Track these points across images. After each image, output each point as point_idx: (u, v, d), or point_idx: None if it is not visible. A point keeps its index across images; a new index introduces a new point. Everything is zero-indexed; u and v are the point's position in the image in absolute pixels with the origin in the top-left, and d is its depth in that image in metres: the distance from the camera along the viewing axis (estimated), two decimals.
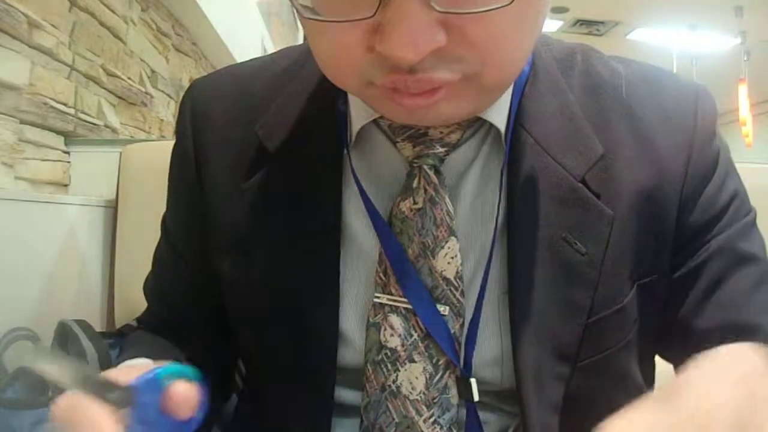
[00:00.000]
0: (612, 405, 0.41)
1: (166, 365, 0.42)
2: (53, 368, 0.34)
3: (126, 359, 0.55)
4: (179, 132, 0.60)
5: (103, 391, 0.36)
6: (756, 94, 6.09)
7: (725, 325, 0.52)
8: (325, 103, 0.55)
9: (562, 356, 0.50)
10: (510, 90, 0.52)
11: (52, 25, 1.14)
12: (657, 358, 0.60)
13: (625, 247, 0.51)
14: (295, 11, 0.41)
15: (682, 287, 0.54)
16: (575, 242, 0.50)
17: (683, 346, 0.54)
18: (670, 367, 0.59)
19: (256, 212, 0.54)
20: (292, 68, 0.58)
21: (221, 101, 0.59)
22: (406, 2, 0.37)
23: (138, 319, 0.71)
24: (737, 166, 0.58)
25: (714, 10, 4.84)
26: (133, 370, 0.44)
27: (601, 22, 5.38)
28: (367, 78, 0.43)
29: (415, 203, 0.51)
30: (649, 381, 0.59)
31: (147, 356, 0.55)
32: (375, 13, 0.38)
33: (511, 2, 0.37)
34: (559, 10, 5.07)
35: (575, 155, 0.51)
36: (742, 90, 5.21)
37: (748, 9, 4.76)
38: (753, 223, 0.55)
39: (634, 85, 0.55)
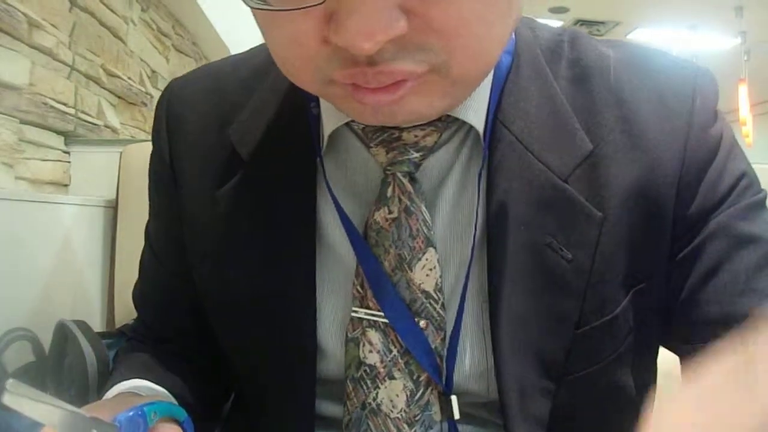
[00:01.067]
0: (602, 420, 0.39)
1: (153, 402, 0.41)
2: (37, 407, 0.34)
3: (117, 381, 0.54)
4: (155, 135, 0.58)
5: (89, 428, 0.35)
6: (756, 94, 6.09)
7: (724, 315, 0.47)
8: (297, 105, 0.52)
9: (548, 370, 0.47)
10: (489, 85, 0.49)
11: (53, 25, 1.14)
12: (659, 360, 0.57)
13: (616, 251, 0.47)
14: (243, 1, 0.37)
15: (681, 272, 0.49)
16: (561, 248, 0.47)
17: (684, 338, 0.50)
18: (671, 369, 0.57)
19: (230, 221, 0.52)
20: (263, 66, 0.55)
21: (196, 103, 0.56)
22: None
23: (130, 327, 0.70)
24: None
25: (714, 10, 4.84)
26: (120, 401, 0.43)
27: (602, 22, 5.37)
28: (325, 74, 0.39)
29: (390, 213, 0.48)
30: (648, 389, 0.55)
31: (139, 376, 0.54)
32: None
33: None
34: (559, 10, 5.07)
35: (560, 153, 0.47)
36: (742, 90, 5.20)
37: (748, 9, 4.76)
38: (760, 204, 0.50)
39: (623, 67, 0.50)
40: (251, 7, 0.38)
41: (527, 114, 0.48)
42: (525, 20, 0.53)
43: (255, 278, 0.51)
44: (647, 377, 0.55)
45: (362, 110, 0.41)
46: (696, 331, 0.49)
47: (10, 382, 0.33)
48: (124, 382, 0.53)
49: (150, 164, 0.59)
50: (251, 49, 0.59)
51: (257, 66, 0.55)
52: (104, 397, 0.52)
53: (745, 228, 0.48)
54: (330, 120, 0.50)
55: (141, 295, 0.64)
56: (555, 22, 5.33)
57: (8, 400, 0.33)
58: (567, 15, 5.19)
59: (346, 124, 0.50)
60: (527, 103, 0.49)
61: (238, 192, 0.52)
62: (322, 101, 0.51)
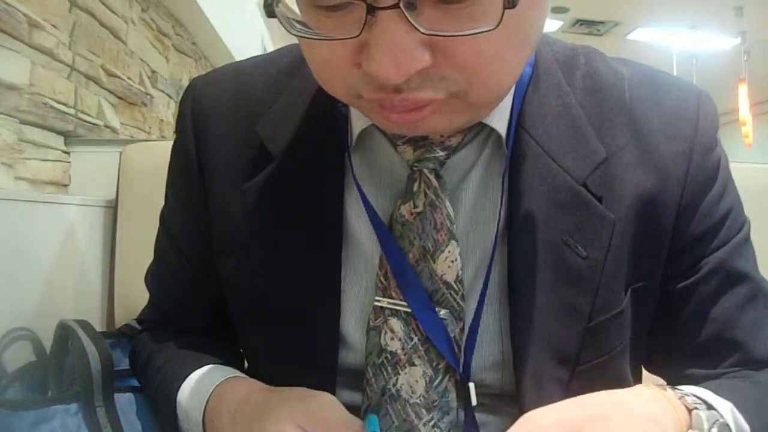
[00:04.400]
0: None
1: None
2: None
3: (190, 370, 0.57)
4: (180, 129, 0.60)
5: None
6: (756, 94, 6.09)
7: (714, 341, 0.53)
8: (326, 104, 0.55)
9: (562, 360, 0.50)
10: (512, 93, 0.52)
11: (53, 25, 1.14)
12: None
13: (624, 251, 0.51)
14: (284, 27, 0.41)
15: (675, 304, 0.54)
16: (576, 246, 0.50)
17: (674, 361, 0.55)
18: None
19: (257, 213, 0.54)
20: (292, 67, 0.58)
21: (222, 100, 0.58)
22: (390, 23, 0.37)
23: (139, 320, 0.71)
24: (737, 166, 0.58)
25: (714, 10, 4.84)
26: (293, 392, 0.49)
27: (601, 22, 5.37)
28: (355, 91, 0.43)
29: (415, 207, 0.51)
30: (638, 381, 0.59)
31: (193, 367, 0.58)
32: (360, 32, 0.38)
33: (497, 27, 0.37)
34: (559, 10, 5.07)
35: (577, 158, 0.51)
36: (742, 90, 5.20)
37: (748, 9, 4.76)
38: (747, 238, 0.56)
39: (636, 87, 0.54)
40: (293, 34, 0.41)
41: (546, 121, 0.52)
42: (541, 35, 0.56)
43: (280, 269, 0.54)
44: (637, 374, 0.59)
45: (386, 124, 0.46)
46: (685, 355, 0.54)
47: None
48: (200, 369, 0.57)
49: (171, 160, 0.62)
50: (277, 50, 0.63)
51: (285, 66, 0.59)
52: (181, 389, 0.56)
53: (738, 265, 0.54)
54: (359, 120, 0.53)
55: (158, 282, 0.66)
56: (555, 22, 5.32)
57: None
58: (567, 15, 5.19)
59: (374, 123, 0.53)
60: (546, 111, 0.53)
61: (266, 185, 0.55)
62: None
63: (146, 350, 0.65)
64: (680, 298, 0.54)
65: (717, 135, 0.55)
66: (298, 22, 0.41)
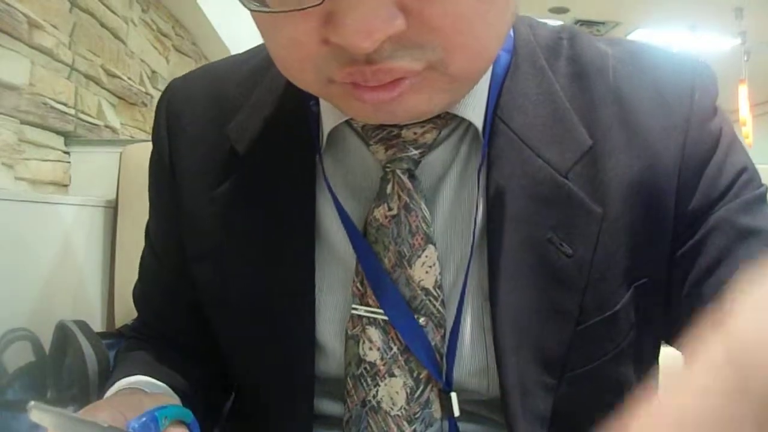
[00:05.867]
0: (604, 416, 0.38)
1: (165, 406, 0.42)
2: (50, 418, 0.34)
3: (119, 377, 0.54)
4: (155, 135, 0.58)
5: None
6: (756, 95, 6.09)
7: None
8: (296, 103, 0.52)
9: (549, 366, 0.47)
10: (487, 83, 0.49)
11: (53, 26, 1.14)
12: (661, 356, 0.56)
13: (617, 247, 0.47)
14: (241, 3, 0.38)
15: (683, 267, 0.49)
16: (561, 243, 0.47)
17: (687, 332, 0.48)
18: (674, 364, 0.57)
19: (228, 220, 0.52)
20: (262, 66, 0.55)
21: (195, 102, 0.56)
22: None
23: (130, 327, 0.70)
24: None
25: (714, 11, 4.84)
26: (125, 400, 0.43)
27: (601, 23, 5.37)
28: (325, 74, 0.40)
29: (389, 210, 0.48)
30: (650, 384, 0.54)
31: (141, 372, 0.54)
32: None
33: None
34: (559, 11, 5.07)
35: (560, 149, 0.47)
36: (743, 91, 5.20)
37: (748, 10, 4.76)
38: (761, 198, 0.49)
39: (622, 65, 0.50)
40: (251, 10, 0.38)
41: (526, 110, 0.49)
42: (524, 19, 0.54)
43: (253, 276, 0.51)
44: (650, 372, 0.55)
45: (362, 108, 0.41)
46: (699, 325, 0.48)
47: (31, 404, 0.33)
48: (126, 378, 0.53)
49: (150, 164, 0.60)
50: (250, 49, 0.59)
51: (255, 66, 0.56)
52: (106, 394, 0.52)
53: (745, 222, 0.48)
54: (329, 118, 0.50)
55: (141, 294, 0.64)
56: (555, 23, 5.32)
57: (34, 416, 0.34)
58: (567, 15, 5.20)
59: (346, 122, 0.50)
60: (526, 99, 0.49)
61: (235, 190, 0.52)
62: (321, 100, 0.51)
63: (118, 361, 0.63)
64: (686, 262, 0.48)
65: (715, 104, 0.50)
66: (255, 1, 0.37)
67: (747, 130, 5.38)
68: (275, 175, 0.51)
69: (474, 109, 0.48)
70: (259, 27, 0.41)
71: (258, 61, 0.56)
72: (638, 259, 0.48)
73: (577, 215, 0.47)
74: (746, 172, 0.49)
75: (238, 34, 2.53)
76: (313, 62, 0.39)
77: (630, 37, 5.90)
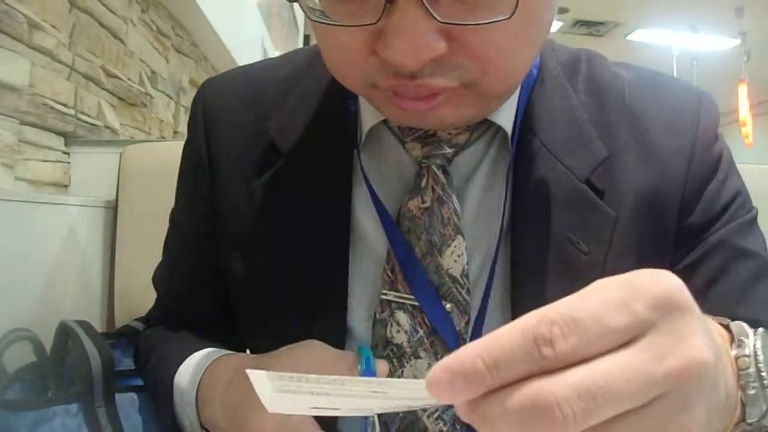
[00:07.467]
0: None
1: (360, 347, 0.48)
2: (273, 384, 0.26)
3: (187, 353, 0.58)
4: (192, 129, 0.62)
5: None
6: (756, 95, 6.09)
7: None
8: (336, 103, 0.56)
9: None
10: (517, 93, 0.54)
11: (52, 26, 1.14)
12: None
13: (626, 248, 0.52)
14: (304, 13, 0.43)
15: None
16: (578, 242, 0.51)
17: None
18: None
19: (265, 210, 0.56)
20: (301, 69, 0.60)
21: (233, 101, 0.61)
22: (408, 11, 0.38)
23: (145, 318, 0.72)
24: (737, 166, 0.58)
25: (714, 11, 4.84)
26: (261, 361, 0.49)
27: (601, 23, 5.38)
28: (370, 80, 0.45)
29: (423, 202, 0.52)
30: None
31: (195, 350, 0.58)
32: (379, 19, 0.39)
33: (512, 16, 0.38)
34: (559, 11, 5.07)
35: (580, 157, 0.53)
36: (742, 90, 5.21)
37: (748, 10, 4.76)
38: (753, 221, 0.56)
39: (636, 89, 0.56)
40: (312, 20, 0.43)
41: (551, 121, 0.54)
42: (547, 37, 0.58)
43: (287, 264, 0.55)
44: None
45: (399, 113, 0.47)
46: None
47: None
48: (199, 352, 0.57)
49: (183, 159, 0.64)
50: (283, 55, 0.66)
51: (295, 69, 0.61)
52: (179, 371, 0.56)
53: (742, 243, 0.54)
54: (368, 117, 0.55)
55: (166, 281, 0.67)
56: (555, 23, 5.32)
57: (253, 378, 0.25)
58: (567, 15, 5.20)
59: (383, 121, 0.55)
60: (550, 111, 0.55)
61: (274, 182, 0.56)
62: (360, 100, 0.56)
63: (150, 342, 0.66)
64: (684, 278, 0.50)
65: (717, 131, 0.56)
66: (318, 10, 0.42)
67: (747, 130, 5.38)
68: (314, 168, 0.56)
69: (505, 117, 0.53)
70: (314, 31, 0.46)
71: (296, 65, 0.61)
72: (643, 263, 0.50)
73: (593, 217, 0.52)
74: (740, 196, 0.55)
75: (238, 34, 2.53)
76: (360, 68, 0.44)
77: (630, 38, 5.92)
